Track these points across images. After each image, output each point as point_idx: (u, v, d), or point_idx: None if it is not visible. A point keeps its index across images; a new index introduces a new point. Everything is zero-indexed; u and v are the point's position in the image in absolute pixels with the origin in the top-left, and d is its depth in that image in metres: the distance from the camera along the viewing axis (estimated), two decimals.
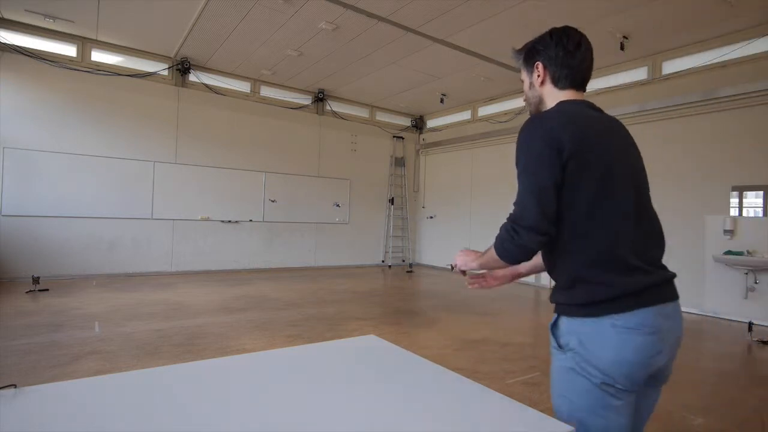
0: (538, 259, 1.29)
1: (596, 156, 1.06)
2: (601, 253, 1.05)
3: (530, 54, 1.25)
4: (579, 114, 1.12)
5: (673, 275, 1.15)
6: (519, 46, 1.32)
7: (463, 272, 1.34)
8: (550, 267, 1.19)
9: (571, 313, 1.09)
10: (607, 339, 1.01)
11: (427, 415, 1.02)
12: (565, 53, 1.19)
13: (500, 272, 1.46)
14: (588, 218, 1.06)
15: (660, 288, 1.09)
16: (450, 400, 1.12)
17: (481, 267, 1.23)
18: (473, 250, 1.27)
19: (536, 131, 1.08)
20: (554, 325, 1.14)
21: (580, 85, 1.21)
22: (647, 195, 1.17)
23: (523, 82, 1.31)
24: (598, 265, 1.05)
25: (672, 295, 1.12)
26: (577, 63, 1.19)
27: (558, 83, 1.20)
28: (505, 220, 1.10)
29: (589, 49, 1.23)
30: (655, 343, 1.03)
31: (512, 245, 1.07)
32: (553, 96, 1.21)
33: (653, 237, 1.17)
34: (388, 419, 0.98)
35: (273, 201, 8.39)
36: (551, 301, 1.17)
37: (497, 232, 1.12)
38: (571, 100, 1.18)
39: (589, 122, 1.12)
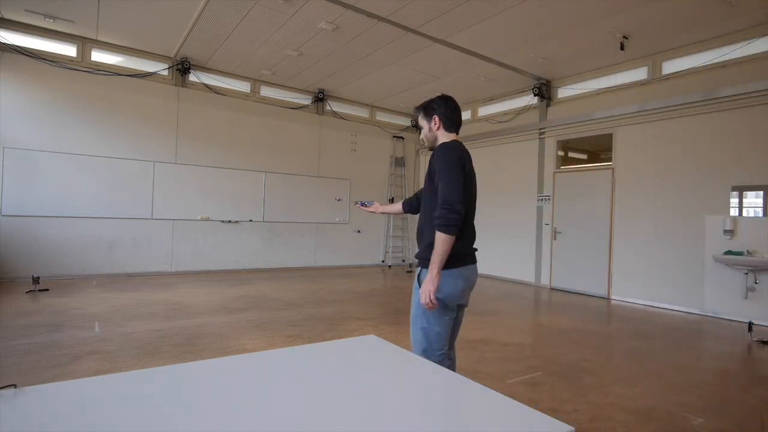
0: (398, 206, 2.37)
1: (470, 177, 1.91)
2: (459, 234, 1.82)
3: (429, 110, 2.02)
4: (464, 149, 1.93)
5: (476, 249, 2.00)
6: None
7: (363, 204, 2.40)
8: (425, 233, 1.92)
9: (428, 266, 1.83)
10: (446, 281, 1.84)
11: (427, 415, 1.02)
12: (451, 111, 2.00)
13: (381, 208, 2.40)
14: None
15: (471, 257, 1.95)
16: (450, 400, 1.12)
17: (440, 264, 1.79)
18: (428, 273, 1.82)
19: (454, 152, 1.87)
20: (419, 274, 1.93)
21: (458, 129, 2.03)
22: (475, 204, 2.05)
23: (422, 126, 2.06)
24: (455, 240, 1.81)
25: (474, 261, 1.98)
26: (457, 117, 2.02)
27: (448, 129, 2.01)
28: (439, 210, 1.78)
29: (460, 109, 2.04)
30: (464, 286, 1.91)
31: (452, 214, 1.75)
32: (444, 136, 2.00)
33: (475, 229, 2.02)
34: (388, 419, 0.98)
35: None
36: (418, 257, 1.96)
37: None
38: (457, 140, 1.98)
39: (468, 157, 1.93)
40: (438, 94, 2.09)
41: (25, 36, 6.26)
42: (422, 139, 2.08)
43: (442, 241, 1.76)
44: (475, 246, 1.99)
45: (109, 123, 6.87)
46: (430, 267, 1.78)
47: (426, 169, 2.01)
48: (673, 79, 6.05)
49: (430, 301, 1.76)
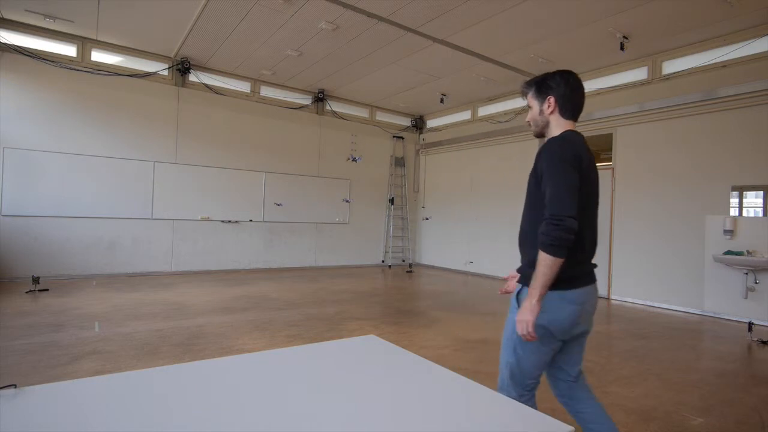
0: None
1: (586, 176, 1.52)
2: (572, 246, 1.45)
3: (542, 88, 1.63)
4: (581, 142, 1.56)
5: (596, 266, 1.62)
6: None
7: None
8: (527, 244, 1.59)
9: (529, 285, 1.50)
10: (552, 305, 1.48)
11: (428, 415, 1.02)
12: (572, 92, 1.59)
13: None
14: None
15: (589, 275, 1.57)
16: (450, 400, 1.12)
17: (541, 290, 1.44)
18: (526, 300, 1.46)
19: (566, 148, 1.50)
20: (519, 293, 1.59)
21: (577, 116, 1.64)
22: (597, 207, 1.65)
23: (530, 107, 1.68)
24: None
25: (593, 280, 1.59)
26: (578, 100, 1.61)
27: (564, 114, 1.61)
28: (545, 225, 1.43)
29: (583, 90, 1.63)
30: (577, 312, 1.51)
31: (560, 231, 1.39)
32: (558, 123, 1.62)
33: (595, 239, 1.62)
34: (388, 419, 0.98)
35: (279, 204, 8.43)
36: (519, 272, 1.64)
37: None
38: (573, 130, 1.60)
39: (584, 150, 1.55)
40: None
41: (25, 36, 6.25)
42: (528, 121, 1.71)
43: (545, 264, 1.41)
44: (594, 261, 1.62)
45: (109, 123, 6.87)
46: (529, 291, 1.46)
47: (531, 166, 1.61)
48: (673, 79, 6.05)
49: (528, 333, 1.45)
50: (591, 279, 1.57)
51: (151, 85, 7.26)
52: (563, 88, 1.58)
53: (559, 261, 1.40)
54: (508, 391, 1.58)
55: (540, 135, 1.68)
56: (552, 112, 1.61)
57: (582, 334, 1.62)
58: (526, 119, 1.72)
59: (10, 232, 6.16)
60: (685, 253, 5.77)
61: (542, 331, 1.49)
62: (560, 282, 1.45)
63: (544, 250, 1.41)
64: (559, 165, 1.46)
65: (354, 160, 9.32)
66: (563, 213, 1.41)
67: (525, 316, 1.44)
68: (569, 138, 1.53)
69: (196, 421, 0.94)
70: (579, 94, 1.60)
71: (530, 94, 1.67)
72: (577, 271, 1.50)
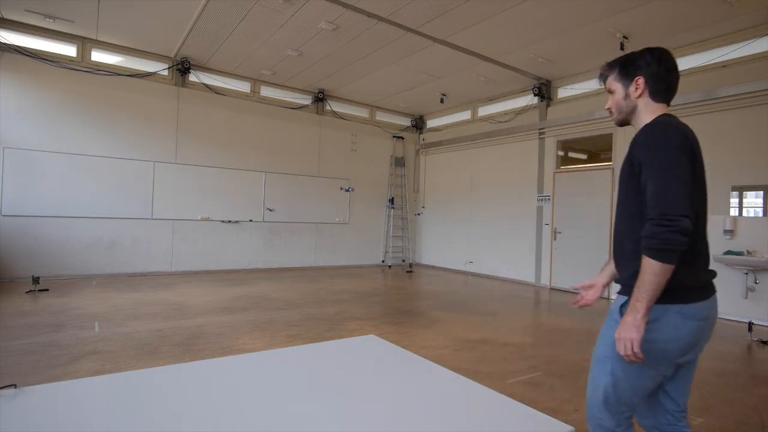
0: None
1: (699, 167, 1.30)
2: (690, 250, 1.21)
3: (629, 68, 1.40)
4: (685, 126, 1.30)
5: (715, 273, 1.36)
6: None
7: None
8: (628, 251, 1.34)
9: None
10: (670, 322, 1.24)
11: (427, 414, 1.02)
12: (666, 72, 1.36)
13: (600, 281, 1.68)
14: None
15: (712, 284, 1.33)
16: (450, 400, 1.12)
17: (648, 303, 1.20)
18: (629, 315, 1.22)
19: (673, 134, 1.24)
20: (623, 306, 1.31)
21: (671, 100, 1.40)
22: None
23: (612, 92, 1.44)
24: (684, 261, 1.20)
25: (714, 290, 1.34)
26: (673, 80, 1.38)
27: (655, 97, 1.37)
28: (649, 225, 1.18)
29: (678, 71, 1.40)
30: (702, 328, 1.28)
31: (670, 232, 1.14)
32: (648, 107, 1.38)
33: (707, 246, 1.38)
34: (388, 419, 0.98)
35: (271, 210, 8.43)
36: (619, 282, 1.40)
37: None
38: (670, 114, 1.34)
39: (692, 134, 1.29)
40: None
41: (25, 36, 6.26)
42: (609, 108, 1.48)
43: (653, 272, 1.17)
44: (711, 268, 1.36)
45: (109, 123, 6.87)
46: (632, 304, 1.22)
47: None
48: None
49: (633, 353, 1.21)
50: (713, 288, 1.33)
51: (151, 85, 7.26)
52: (655, 67, 1.36)
53: (669, 268, 1.17)
54: (601, 419, 1.36)
55: (624, 123, 1.47)
56: (640, 95, 1.38)
57: (698, 352, 1.40)
58: (606, 106, 1.50)
59: (10, 232, 6.16)
60: None
61: (656, 351, 1.24)
62: (680, 294, 1.23)
63: (651, 256, 1.18)
64: (667, 153, 1.21)
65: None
66: (675, 212, 1.16)
67: (629, 334, 1.20)
68: (670, 122, 1.28)
69: (196, 421, 0.94)
70: (674, 75, 1.38)
71: (612, 77, 1.44)
72: (700, 279, 1.29)
